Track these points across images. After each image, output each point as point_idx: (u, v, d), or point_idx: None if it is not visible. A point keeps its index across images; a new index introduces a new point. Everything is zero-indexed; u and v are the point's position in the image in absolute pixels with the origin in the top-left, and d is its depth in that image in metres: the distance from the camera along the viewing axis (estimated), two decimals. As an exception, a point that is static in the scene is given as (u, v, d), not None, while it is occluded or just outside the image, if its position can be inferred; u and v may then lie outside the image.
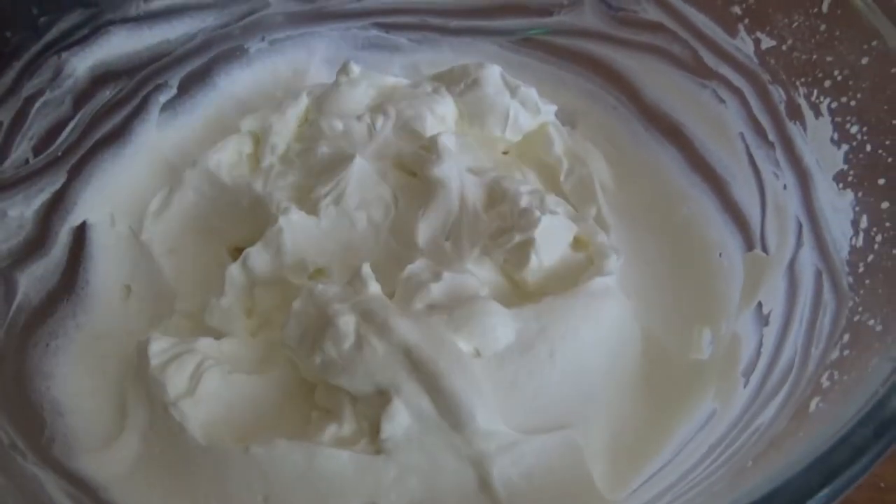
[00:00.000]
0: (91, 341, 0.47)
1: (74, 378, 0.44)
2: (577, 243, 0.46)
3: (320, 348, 0.38)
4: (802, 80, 0.43)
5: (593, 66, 0.59)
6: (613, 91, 0.58)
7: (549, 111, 0.55)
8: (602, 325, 0.41)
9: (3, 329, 0.43)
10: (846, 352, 0.34)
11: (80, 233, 0.50)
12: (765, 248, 0.45)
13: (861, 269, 0.37)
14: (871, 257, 0.37)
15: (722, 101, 0.50)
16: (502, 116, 0.54)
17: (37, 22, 0.49)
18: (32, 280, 0.46)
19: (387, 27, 0.63)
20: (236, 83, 0.60)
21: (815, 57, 0.42)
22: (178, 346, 0.42)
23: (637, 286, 0.47)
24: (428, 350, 0.37)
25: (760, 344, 0.40)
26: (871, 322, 0.34)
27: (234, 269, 0.44)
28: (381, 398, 0.37)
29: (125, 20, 0.53)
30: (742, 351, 0.41)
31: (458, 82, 0.55)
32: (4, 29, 0.47)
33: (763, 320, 0.41)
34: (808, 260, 0.40)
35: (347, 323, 0.38)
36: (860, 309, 0.35)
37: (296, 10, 0.61)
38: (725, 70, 0.49)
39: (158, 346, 0.41)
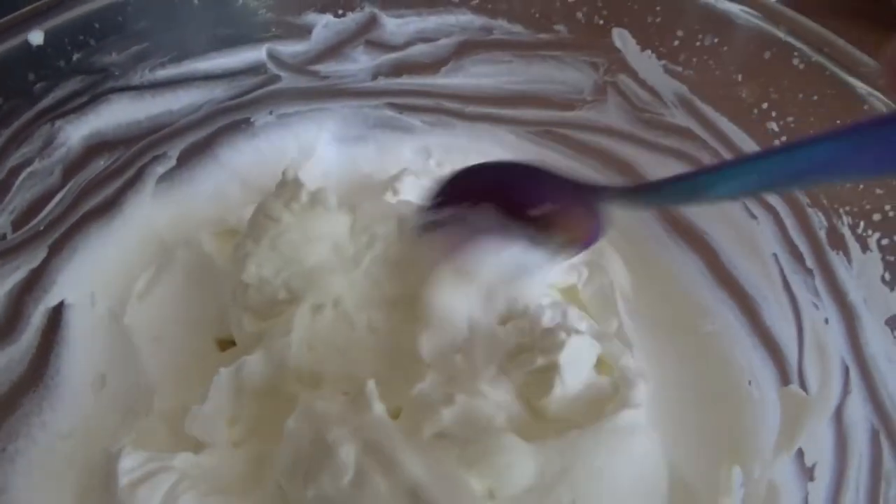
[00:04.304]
0: (55, 441, 0.42)
1: (30, 491, 0.39)
2: (601, 365, 0.42)
3: (314, 480, 0.34)
4: (847, 208, 0.41)
5: (614, 163, 0.57)
6: (634, 191, 0.56)
7: None
8: (629, 466, 0.37)
9: (-45, 433, 0.38)
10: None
11: (56, 315, 0.46)
12: (804, 386, 0.41)
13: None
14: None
15: (754, 216, 0.47)
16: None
17: (32, 88, 0.45)
18: (-4, 372, 0.42)
19: (400, 108, 0.60)
20: (239, 157, 0.57)
21: (861, 187, 0.40)
22: (152, 461, 0.37)
23: (658, 412, 0.43)
24: (438, 492, 0.33)
25: (806, 502, 0.37)
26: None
27: (224, 377, 0.40)
28: (382, 545, 0.33)
29: (127, 88, 0.50)
30: (782, 505, 0.37)
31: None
32: (-5, 95, 0.44)
33: (807, 473, 0.38)
34: (861, 413, 0.37)
35: (348, 453, 0.34)
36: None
37: (307, 86, 0.58)
38: (758, 185, 0.47)
39: (130, 462, 0.37)
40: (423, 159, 0.61)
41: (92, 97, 0.48)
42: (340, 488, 0.34)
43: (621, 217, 0.56)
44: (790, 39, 0.44)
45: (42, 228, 0.46)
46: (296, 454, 0.36)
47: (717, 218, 0.51)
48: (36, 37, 0.45)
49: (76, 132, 0.48)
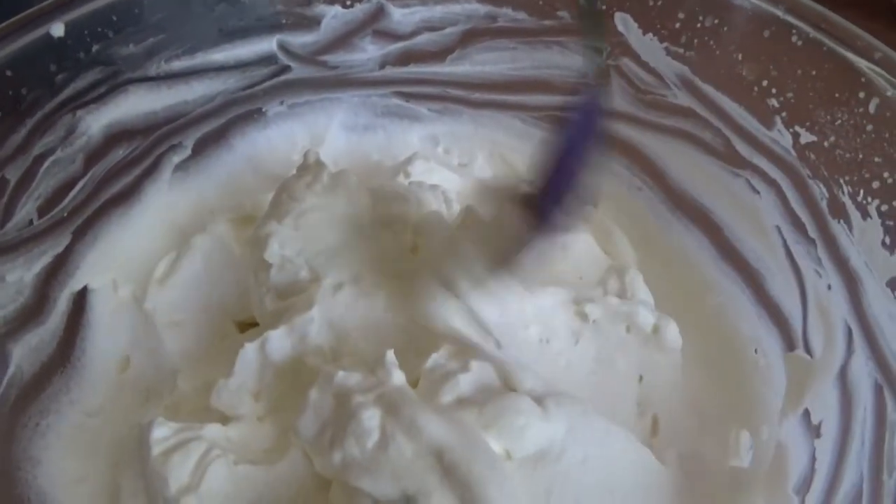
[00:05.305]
0: (84, 419, 0.43)
1: (64, 463, 0.40)
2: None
3: (341, 445, 0.35)
4: (847, 178, 0.42)
5: (618, 146, 0.58)
6: (638, 172, 0.57)
7: None
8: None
9: (-8, 408, 0.40)
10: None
11: (80, 299, 0.47)
12: (808, 350, 0.43)
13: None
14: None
15: (756, 191, 0.49)
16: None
17: (54, 79, 0.47)
18: (26, 351, 0.43)
19: (407, 96, 0.62)
20: (252, 146, 0.59)
21: (861, 156, 0.41)
22: (182, 432, 0.38)
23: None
24: (461, 453, 0.34)
25: (814, 459, 0.38)
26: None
27: (250, 352, 0.41)
28: (408, 504, 0.34)
29: (144, 79, 0.52)
30: (790, 463, 0.39)
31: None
32: (21, 86, 0.45)
33: (813, 431, 0.39)
34: (864, 370, 0.38)
35: (372, 418, 0.35)
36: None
37: (317, 76, 0.59)
38: (760, 161, 0.48)
39: (162, 432, 0.38)
40: (430, 146, 0.62)
41: (110, 88, 0.50)
42: (366, 451, 0.35)
43: (625, 197, 0.58)
44: (788, 18, 0.46)
45: (66, 215, 0.47)
46: (320, 422, 0.37)
47: (720, 195, 0.52)
48: (57, 29, 0.46)
49: (96, 122, 0.49)
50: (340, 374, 0.38)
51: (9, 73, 0.44)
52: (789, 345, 0.44)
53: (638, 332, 0.42)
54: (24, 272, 0.44)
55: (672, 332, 0.42)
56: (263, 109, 0.59)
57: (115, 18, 0.49)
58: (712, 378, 0.46)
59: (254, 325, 0.49)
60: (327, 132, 0.61)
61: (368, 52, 0.59)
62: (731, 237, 0.51)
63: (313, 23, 0.57)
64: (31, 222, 0.45)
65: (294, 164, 0.57)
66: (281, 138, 0.60)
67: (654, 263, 0.54)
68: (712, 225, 0.52)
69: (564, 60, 0.58)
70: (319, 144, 0.60)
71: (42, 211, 0.46)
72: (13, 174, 0.44)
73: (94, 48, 0.48)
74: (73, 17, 0.47)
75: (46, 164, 0.46)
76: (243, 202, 0.55)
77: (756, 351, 0.46)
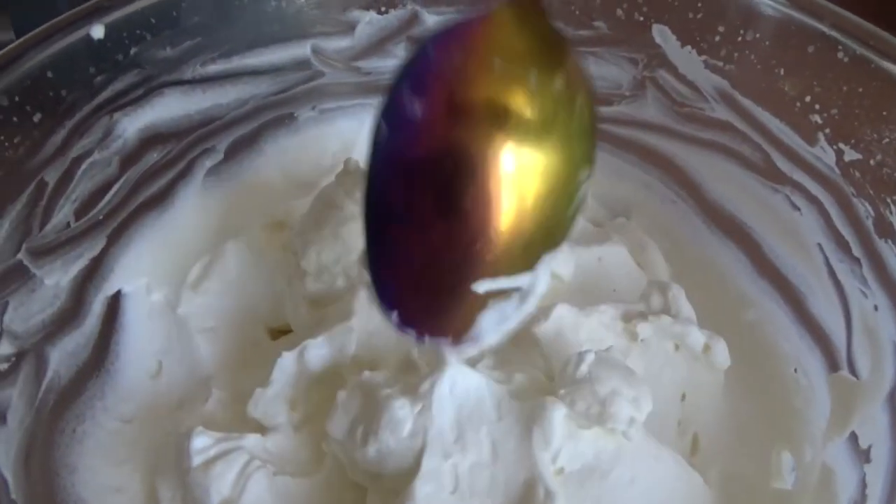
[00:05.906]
0: (119, 425, 0.43)
1: (102, 470, 0.40)
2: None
3: (375, 437, 0.35)
4: (894, 197, 0.42)
5: (652, 157, 0.57)
6: (673, 185, 0.56)
7: None
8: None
9: (31, 412, 0.39)
10: None
11: (114, 303, 0.47)
12: (854, 372, 0.42)
13: None
14: None
15: (797, 208, 0.48)
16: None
17: (92, 81, 0.46)
18: (63, 356, 0.43)
19: (438, 103, 0.61)
20: (283, 151, 0.58)
21: (908, 176, 0.41)
22: (223, 442, 0.38)
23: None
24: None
25: (864, 484, 0.37)
26: None
27: (287, 361, 0.41)
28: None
29: (180, 82, 0.51)
30: (838, 487, 0.38)
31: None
32: (60, 87, 0.45)
33: (862, 456, 0.39)
34: (917, 395, 0.38)
35: (403, 406, 0.35)
36: None
37: (349, 81, 0.59)
38: (801, 177, 0.48)
39: (202, 442, 0.38)
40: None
41: (147, 91, 0.49)
42: (401, 440, 0.34)
43: (659, 210, 0.57)
44: (834, 33, 0.45)
45: (101, 218, 0.47)
46: (351, 420, 0.36)
47: (757, 210, 0.51)
48: (97, 31, 0.46)
49: (132, 125, 0.49)
50: (366, 374, 0.38)
51: (49, 74, 0.44)
52: (832, 365, 0.44)
53: (686, 351, 0.42)
54: (62, 275, 0.44)
55: (722, 351, 0.42)
56: (295, 114, 0.58)
57: (153, 21, 0.49)
58: (752, 396, 0.45)
59: (286, 331, 0.49)
60: (358, 137, 0.61)
61: (402, 58, 0.59)
62: (770, 253, 0.50)
63: (347, 28, 0.57)
64: (68, 225, 0.45)
65: (325, 170, 0.57)
66: (312, 144, 0.60)
67: (688, 276, 0.54)
68: (749, 240, 0.52)
69: (599, 71, 0.57)
70: (350, 150, 0.60)
71: (79, 214, 0.46)
72: (52, 176, 0.44)
73: (132, 51, 0.48)
74: (113, 19, 0.47)
75: (84, 166, 0.46)
76: (274, 208, 0.55)
77: (796, 370, 0.46)
